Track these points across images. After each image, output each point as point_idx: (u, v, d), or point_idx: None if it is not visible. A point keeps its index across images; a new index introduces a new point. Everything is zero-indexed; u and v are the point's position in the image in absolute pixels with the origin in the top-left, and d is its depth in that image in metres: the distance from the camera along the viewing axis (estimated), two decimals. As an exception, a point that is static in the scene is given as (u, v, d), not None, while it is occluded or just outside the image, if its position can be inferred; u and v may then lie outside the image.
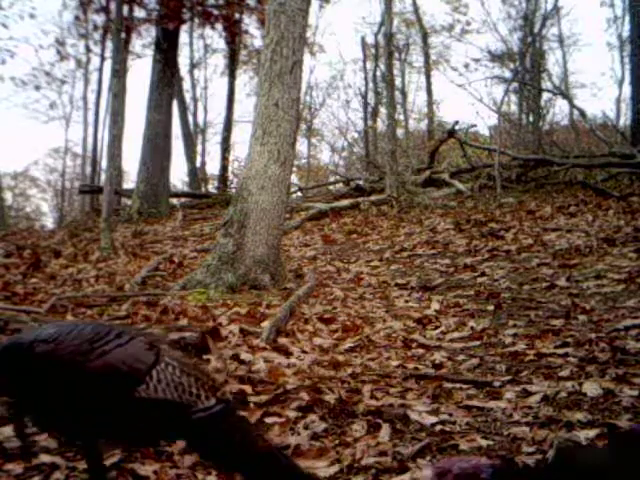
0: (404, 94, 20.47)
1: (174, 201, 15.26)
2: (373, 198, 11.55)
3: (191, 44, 22.72)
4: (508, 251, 6.71)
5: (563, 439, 2.24)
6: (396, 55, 19.72)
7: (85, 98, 24.95)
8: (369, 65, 20.21)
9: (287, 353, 3.51)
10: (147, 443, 1.98)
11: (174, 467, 2.15)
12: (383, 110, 17.07)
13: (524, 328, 3.99)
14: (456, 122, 13.79)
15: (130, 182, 22.37)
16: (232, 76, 19.58)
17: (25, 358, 1.53)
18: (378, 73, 18.83)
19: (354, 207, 11.21)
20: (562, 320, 4.08)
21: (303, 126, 22.78)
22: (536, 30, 19.53)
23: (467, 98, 56.05)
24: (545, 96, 18.31)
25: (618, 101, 20.51)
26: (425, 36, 20.99)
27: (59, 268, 6.77)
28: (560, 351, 3.40)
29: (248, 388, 2.86)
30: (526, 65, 18.95)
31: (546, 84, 19.06)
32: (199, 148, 23.00)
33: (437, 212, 10.06)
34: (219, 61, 30.98)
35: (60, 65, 23.07)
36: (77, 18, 18.10)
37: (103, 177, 14.12)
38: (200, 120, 24.07)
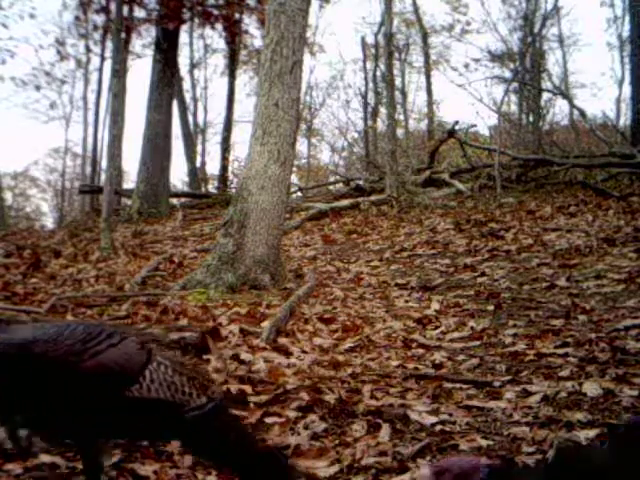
0: (404, 94, 20.47)
1: (174, 201, 15.25)
2: (373, 198, 11.55)
3: (191, 44, 22.73)
4: (508, 251, 6.71)
5: (563, 439, 2.24)
6: (396, 55, 19.72)
7: (85, 98, 24.96)
8: (369, 65, 20.22)
9: (287, 353, 3.52)
10: (141, 443, 1.98)
11: (174, 467, 2.15)
12: (383, 110, 17.07)
13: (524, 328, 4.00)
14: (456, 122, 13.79)
15: (130, 182, 22.37)
16: (232, 76, 19.58)
17: (16, 359, 1.51)
18: (378, 73, 18.84)
19: (354, 207, 11.21)
20: (562, 320, 4.08)
21: (303, 126, 22.78)
22: (536, 30, 19.52)
23: (467, 98, 56.04)
24: (545, 96, 18.32)
25: (618, 101, 20.52)
26: (425, 36, 20.99)
27: (59, 268, 6.77)
28: (560, 351, 3.41)
29: (248, 388, 2.86)
30: (526, 65, 18.95)
31: (546, 84, 19.07)
32: (199, 148, 23.01)
33: (437, 212, 10.05)
34: (219, 61, 30.97)
35: (60, 65, 23.07)
36: (77, 18, 18.10)
37: (103, 177, 14.12)
38: (200, 120, 24.09)
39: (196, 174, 20.24)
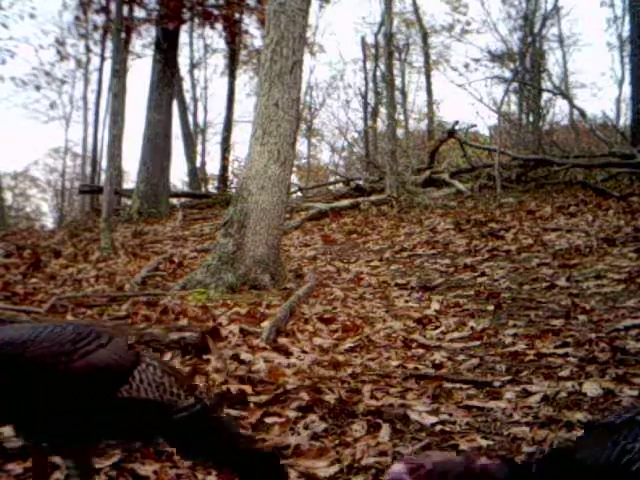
0: (404, 94, 20.48)
1: (174, 201, 15.26)
2: (373, 198, 11.55)
3: (191, 44, 22.75)
4: (508, 251, 6.71)
5: (563, 439, 2.25)
6: (396, 55, 19.72)
7: (85, 98, 24.99)
8: (369, 65, 20.23)
9: (287, 353, 3.52)
10: (130, 443, 1.98)
11: (174, 467, 2.15)
12: (383, 110, 17.07)
13: (524, 328, 3.99)
14: (456, 122, 13.79)
15: (130, 182, 22.38)
16: (232, 76, 19.58)
17: (3, 359, 1.49)
18: (378, 73, 18.84)
19: (354, 207, 11.21)
20: (562, 320, 4.08)
21: (303, 126, 22.79)
22: (536, 30, 19.53)
23: (467, 98, 56.05)
24: (545, 96, 18.33)
25: (618, 101, 20.53)
26: (425, 36, 20.99)
27: (59, 268, 6.77)
28: (560, 351, 3.41)
29: (248, 388, 2.86)
30: (526, 65, 18.95)
31: (546, 84, 19.07)
32: (199, 148, 23.03)
33: (437, 212, 10.06)
34: (219, 61, 30.95)
35: (60, 65, 23.08)
36: (77, 18, 18.11)
37: (103, 177, 14.12)
38: (200, 120, 24.12)
39: (196, 174, 20.25)
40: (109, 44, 17.57)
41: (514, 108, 21.25)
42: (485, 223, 8.46)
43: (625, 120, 18.31)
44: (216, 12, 14.84)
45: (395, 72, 15.93)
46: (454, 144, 15.22)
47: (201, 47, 23.77)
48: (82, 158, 26.33)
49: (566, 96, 17.19)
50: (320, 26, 30.83)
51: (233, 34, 16.96)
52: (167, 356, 3.23)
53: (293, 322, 4.23)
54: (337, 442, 2.38)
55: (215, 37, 22.82)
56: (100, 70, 19.67)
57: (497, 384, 2.97)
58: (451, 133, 13.80)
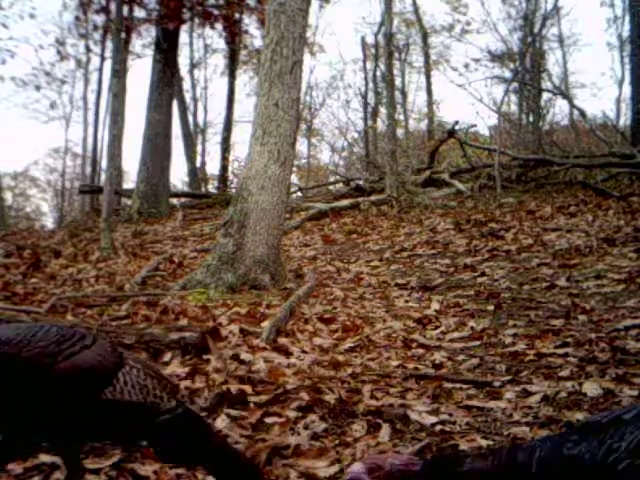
0: (404, 94, 20.48)
1: (174, 201, 15.26)
2: (373, 198, 11.55)
3: (191, 44, 22.76)
4: (508, 251, 6.71)
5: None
6: (396, 55, 19.73)
7: (85, 98, 25.00)
8: (369, 65, 20.24)
9: (287, 353, 3.51)
10: (113, 444, 1.98)
11: (174, 467, 2.15)
12: (383, 110, 17.07)
13: (524, 328, 3.99)
14: (456, 122, 13.80)
15: (130, 182, 22.41)
16: (232, 76, 19.58)
17: None
18: (378, 73, 18.84)
19: (354, 207, 11.21)
20: (562, 320, 4.08)
21: (303, 126, 22.79)
22: (536, 30, 19.54)
23: (467, 98, 56.14)
24: (545, 96, 18.33)
25: (618, 101, 20.54)
26: (425, 36, 21.00)
27: (59, 268, 6.76)
28: (560, 351, 3.40)
29: (248, 388, 2.86)
30: (526, 65, 18.95)
31: (546, 84, 19.08)
32: (199, 148, 23.03)
33: (437, 212, 10.06)
34: (219, 61, 31.02)
35: (60, 65, 23.09)
36: (77, 18, 18.11)
37: (103, 177, 14.12)
38: (200, 120, 24.12)
39: (196, 174, 20.25)
40: (109, 44, 17.58)
41: (514, 108, 21.29)
42: (485, 223, 8.46)
43: (625, 120, 18.33)
44: (216, 12, 14.85)
45: (395, 72, 15.93)
46: (454, 144, 15.22)
47: (201, 47, 23.82)
48: (82, 158, 26.35)
49: (566, 96, 17.19)
50: (320, 26, 30.92)
51: (233, 34, 16.96)
52: (167, 356, 3.23)
53: (293, 322, 4.23)
54: (337, 442, 2.38)
55: (215, 37, 22.90)
56: (100, 70, 19.70)
57: (497, 384, 2.97)
58: (451, 133, 13.80)
